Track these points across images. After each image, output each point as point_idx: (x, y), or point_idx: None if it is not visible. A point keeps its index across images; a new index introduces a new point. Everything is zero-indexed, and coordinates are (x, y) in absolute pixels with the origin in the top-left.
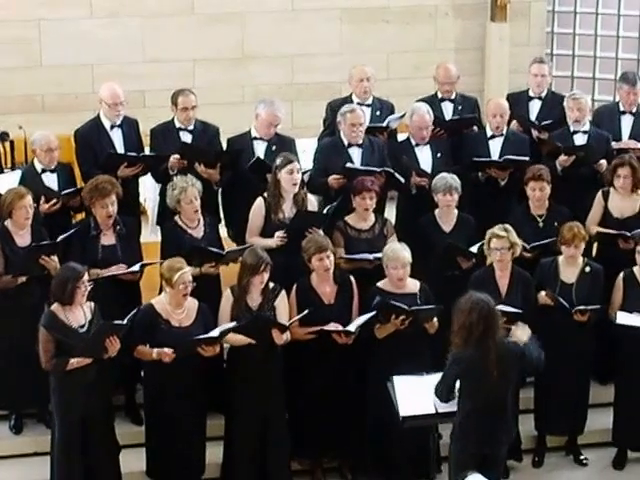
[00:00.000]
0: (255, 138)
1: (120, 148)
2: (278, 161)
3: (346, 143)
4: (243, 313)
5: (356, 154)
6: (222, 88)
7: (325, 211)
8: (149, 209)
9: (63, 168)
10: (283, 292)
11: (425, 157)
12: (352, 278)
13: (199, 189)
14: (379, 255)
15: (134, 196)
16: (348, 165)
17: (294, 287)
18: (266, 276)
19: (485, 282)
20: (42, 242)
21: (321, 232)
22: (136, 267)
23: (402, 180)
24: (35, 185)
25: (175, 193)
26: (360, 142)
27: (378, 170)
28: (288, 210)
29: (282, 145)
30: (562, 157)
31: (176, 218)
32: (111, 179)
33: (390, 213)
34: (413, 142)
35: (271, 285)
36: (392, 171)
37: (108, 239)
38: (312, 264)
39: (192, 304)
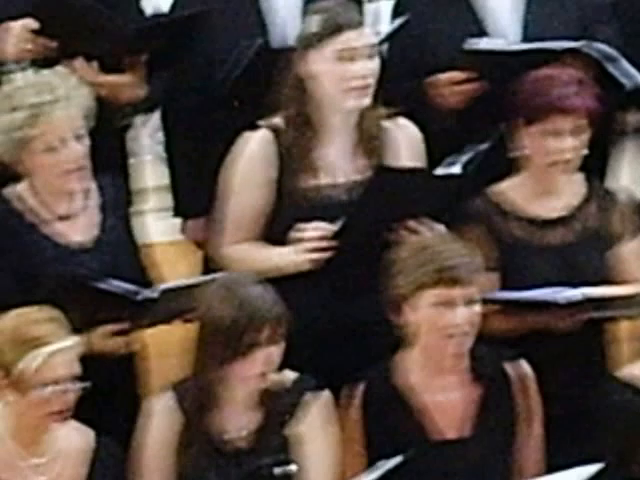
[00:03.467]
0: None
1: None
2: (316, 24)
3: None
4: (206, 458)
5: None
6: None
7: (460, 166)
8: None
9: None
10: (323, 397)
11: None
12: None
13: (86, 108)
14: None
15: None
16: (474, 44)
17: (361, 388)
18: (274, 353)
19: None
20: None
21: (442, 229)
22: None
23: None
24: None
25: (15, 120)
26: None
27: (559, 47)
28: (340, 165)
29: None
30: None
31: (10, 193)
32: None
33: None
34: None
35: (287, 378)
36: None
37: None
38: (418, 322)
39: (73, 441)
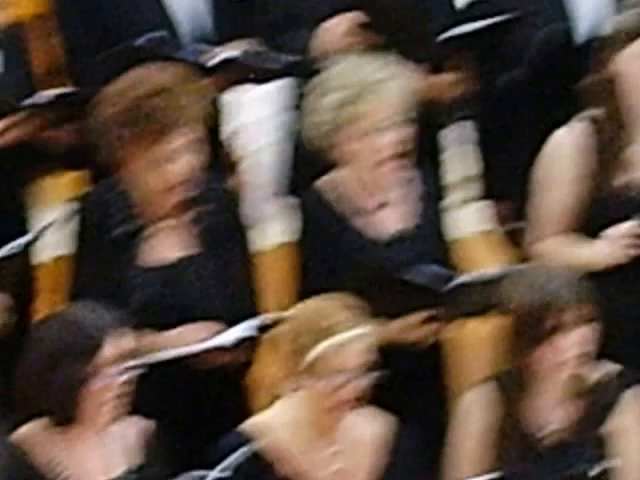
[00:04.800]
0: None
1: None
2: (628, 22)
3: None
4: (518, 453)
5: None
6: None
7: None
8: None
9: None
10: None
11: None
12: None
13: (404, 96)
14: None
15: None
16: None
17: None
18: (579, 338)
19: None
20: None
21: None
22: (236, 333)
23: None
24: None
25: (331, 101)
26: None
27: None
28: None
29: None
30: None
31: (323, 183)
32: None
33: None
34: None
35: (608, 371)
36: None
37: (168, 246)
38: None
39: (369, 429)
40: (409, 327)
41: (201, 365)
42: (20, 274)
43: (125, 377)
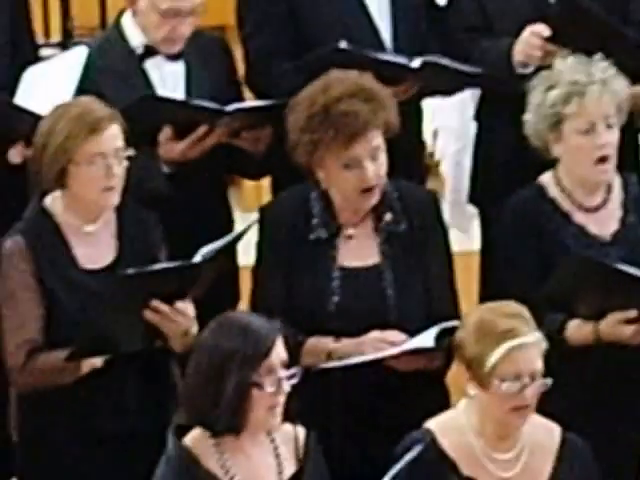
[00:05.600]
0: None
1: None
2: None
3: None
4: None
5: None
6: None
7: None
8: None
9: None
10: None
11: None
12: None
13: (619, 99)
14: None
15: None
16: None
17: None
18: None
19: None
20: (154, 263)
21: None
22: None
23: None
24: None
25: (550, 97)
26: None
27: None
28: None
29: None
30: None
31: (543, 179)
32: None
33: None
34: None
35: None
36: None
37: (362, 250)
38: None
39: (539, 437)
40: (616, 324)
41: (402, 368)
42: (220, 277)
43: (294, 381)
